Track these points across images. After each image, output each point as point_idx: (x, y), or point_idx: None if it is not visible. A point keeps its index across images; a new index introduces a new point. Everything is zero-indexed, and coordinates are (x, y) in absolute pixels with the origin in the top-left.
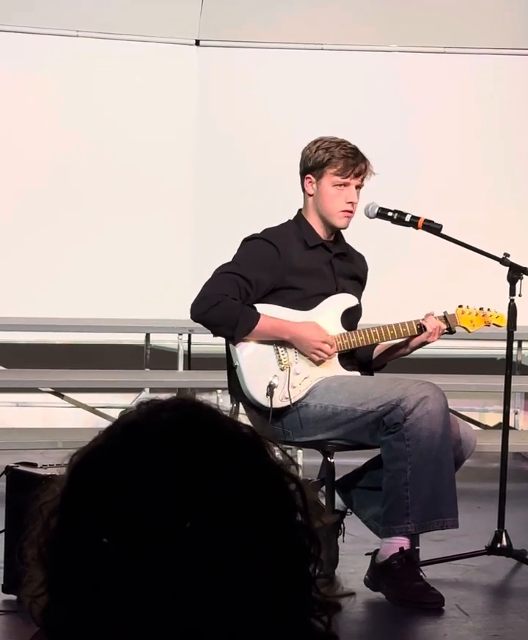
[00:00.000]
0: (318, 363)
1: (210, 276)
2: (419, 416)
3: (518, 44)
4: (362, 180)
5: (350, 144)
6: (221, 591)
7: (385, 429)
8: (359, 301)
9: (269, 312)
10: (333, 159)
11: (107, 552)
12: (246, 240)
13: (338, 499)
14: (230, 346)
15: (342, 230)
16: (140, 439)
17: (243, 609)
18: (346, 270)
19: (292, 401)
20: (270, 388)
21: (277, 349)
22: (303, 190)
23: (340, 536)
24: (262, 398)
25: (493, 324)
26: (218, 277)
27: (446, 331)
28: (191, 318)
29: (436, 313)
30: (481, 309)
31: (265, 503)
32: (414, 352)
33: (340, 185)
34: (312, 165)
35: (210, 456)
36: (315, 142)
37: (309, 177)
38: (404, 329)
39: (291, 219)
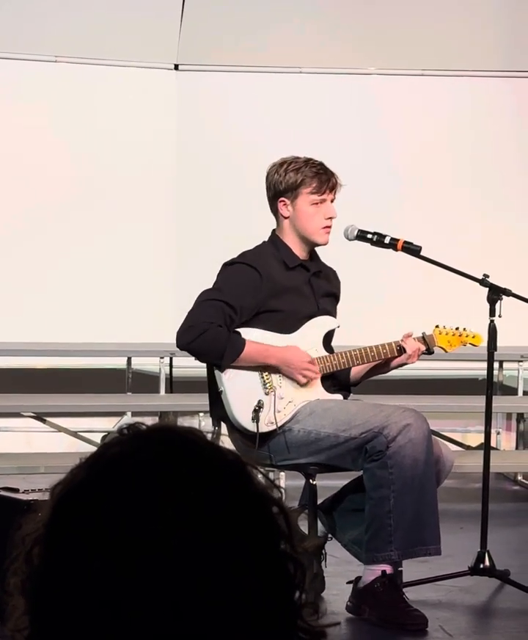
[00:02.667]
0: (303, 386)
1: (193, 303)
2: (402, 444)
3: (495, 66)
4: (335, 193)
5: (316, 160)
6: (207, 621)
7: (368, 457)
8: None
9: (252, 337)
10: (306, 179)
11: (90, 584)
12: (226, 265)
13: (319, 523)
14: (215, 371)
15: (316, 248)
16: (123, 474)
17: (228, 639)
18: (324, 288)
19: (278, 425)
20: (256, 413)
21: (262, 374)
22: (275, 213)
23: (323, 561)
24: (248, 423)
25: (469, 343)
26: (203, 304)
27: (425, 352)
28: (178, 346)
29: (415, 334)
30: (457, 329)
31: (250, 533)
32: (397, 373)
33: (317, 202)
34: (285, 188)
35: (194, 489)
36: (281, 164)
37: (283, 200)
38: (384, 351)
39: (266, 240)
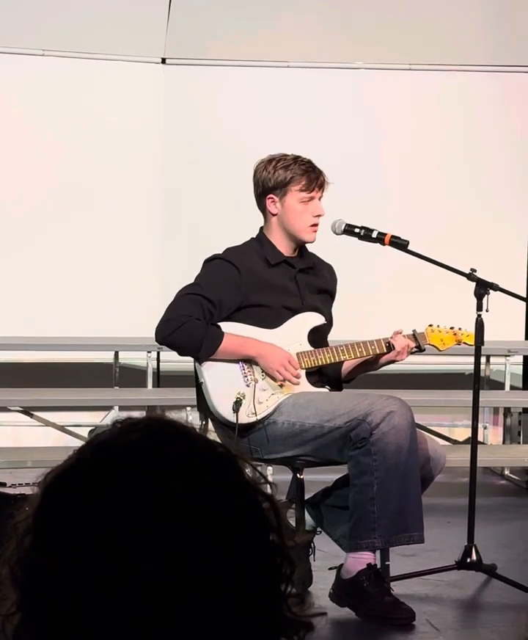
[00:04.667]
0: (284, 380)
1: (173, 298)
2: (386, 431)
3: (483, 60)
4: (323, 191)
5: (304, 158)
6: (193, 610)
7: (352, 445)
8: (330, 313)
9: (234, 330)
10: (295, 176)
11: (79, 571)
12: (207, 261)
13: (308, 517)
14: (195, 363)
15: (307, 244)
16: (111, 458)
17: (215, 628)
18: (313, 284)
19: (259, 417)
20: (237, 404)
21: (243, 366)
22: (263, 210)
23: (311, 554)
24: (228, 414)
25: (464, 342)
26: (181, 298)
27: (415, 349)
28: (156, 340)
29: (405, 331)
30: (452, 328)
31: (238, 522)
32: (385, 368)
33: (306, 200)
34: (274, 185)
35: (183, 474)
36: (269, 161)
37: (272, 197)
38: (372, 348)
39: (253, 237)
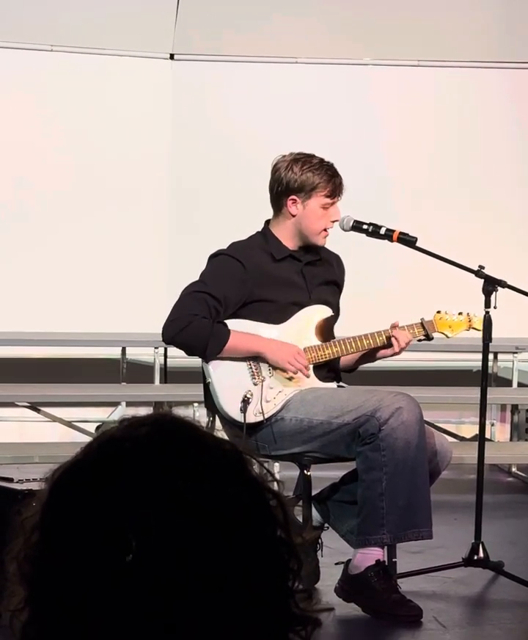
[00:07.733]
0: (292, 377)
1: (178, 296)
2: (395, 426)
3: (491, 57)
4: (341, 196)
5: (327, 161)
6: (200, 605)
7: (360, 440)
8: (338, 304)
9: (241, 327)
10: (322, 182)
11: (87, 566)
12: (211, 257)
13: (315, 513)
14: (202, 362)
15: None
16: (119, 454)
17: (222, 623)
18: (320, 276)
19: (266, 416)
20: (244, 403)
21: (250, 364)
22: (279, 209)
23: (319, 550)
24: (235, 414)
25: (473, 328)
26: (187, 297)
27: (423, 337)
28: (163, 340)
29: (414, 321)
30: (460, 314)
31: (245, 518)
32: (392, 364)
33: (328, 206)
34: (299, 186)
35: (190, 470)
36: (295, 161)
37: (294, 199)
38: (380, 338)
39: (258, 231)
